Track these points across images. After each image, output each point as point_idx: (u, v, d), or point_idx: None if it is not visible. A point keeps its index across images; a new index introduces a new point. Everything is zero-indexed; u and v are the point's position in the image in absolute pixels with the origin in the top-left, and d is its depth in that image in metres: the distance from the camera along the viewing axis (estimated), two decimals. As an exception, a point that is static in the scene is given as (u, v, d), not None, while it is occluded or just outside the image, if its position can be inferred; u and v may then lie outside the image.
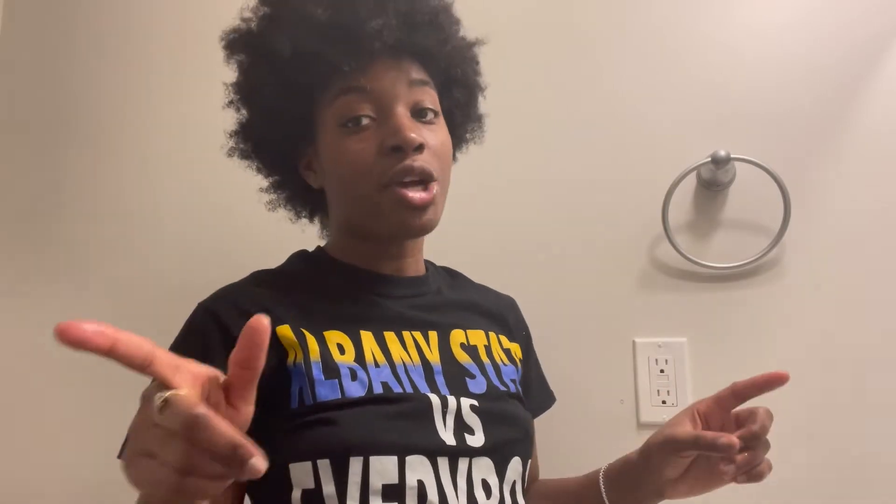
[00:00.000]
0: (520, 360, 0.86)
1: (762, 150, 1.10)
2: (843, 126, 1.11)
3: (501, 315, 0.88)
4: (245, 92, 0.79)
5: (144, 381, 0.43)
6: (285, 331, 0.69)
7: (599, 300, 1.14)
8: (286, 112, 0.76)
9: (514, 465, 0.73)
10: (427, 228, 0.74)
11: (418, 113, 0.74)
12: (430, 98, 0.75)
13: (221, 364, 0.46)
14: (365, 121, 0.72)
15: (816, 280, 1.08)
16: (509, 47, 1.23)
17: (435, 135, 0.74)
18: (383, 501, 0.63)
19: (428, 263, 0.86)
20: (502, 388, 0.76)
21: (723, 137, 1.12)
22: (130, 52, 1.39)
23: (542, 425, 0.85)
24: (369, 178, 0.71)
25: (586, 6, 1.23)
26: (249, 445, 0.37)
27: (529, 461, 0.77)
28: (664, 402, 1.09)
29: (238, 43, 0.78)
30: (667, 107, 1.16)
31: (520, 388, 0.82)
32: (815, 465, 1.04)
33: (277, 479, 0.64)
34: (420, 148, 0.71)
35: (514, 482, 0.73)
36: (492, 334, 0.82)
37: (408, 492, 0.63)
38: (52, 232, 1.34)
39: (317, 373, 0.67)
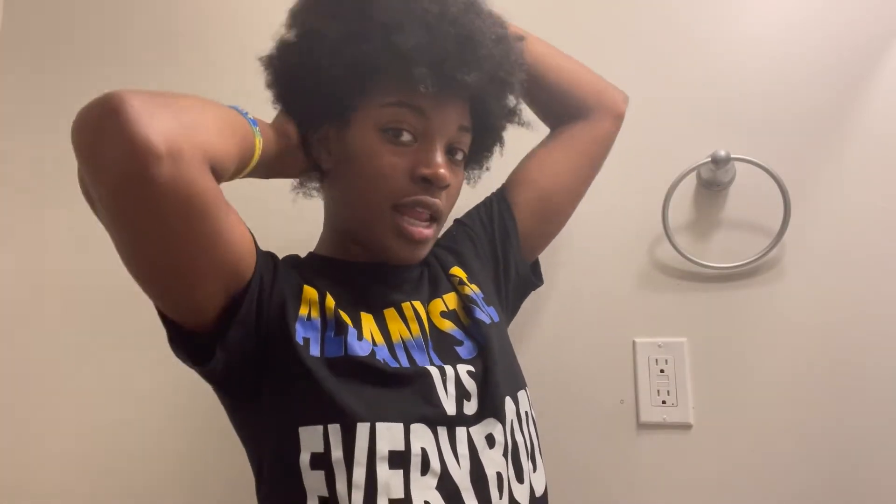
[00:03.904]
0: (489, 252, 0.90)
1: (762, 150, 1.10)
2: (843, 126, 1.11)
3: (455, 253, 0.89)
4: (311, 32, 0.74)
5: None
6: (310, 290, 0.72)
7: (599, 300, 1.14)
8: (334, 77, 0.72)
9: (509, 406, 0.73)
10: (414, 261, 0.77)
11: (451, 152, 0.76)
12: (466, 143, 0.78)
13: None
14: (406, 137, 0.72)
15: (816, 280, 1.08)
16: (509, 47, 1.23)
17: (457, 177, 0.78)
18: (390, 468, 0.64)
19: None
20: (484, 340, 0.77)
21: (723, 137, 1.12)
22: (129, 51, 1.39)
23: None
24: (388, 193, 0.72)
25: (587, 6, 1.23)
26: None
27: (523, 391, 0.78)
28: (664, 402, 1.09)
29: None
30: (667, 107, 1.16)
31: (496, 305, 0.85)
32: (815, 464, 1.04)
33: (287, 442, 0.66)
34: (445, 188, 0.73)
35: (513, 421, 0.73)
36: (462, 288, 0.83)
37: (412, 459, 0.65)
38: (59, 225, 1.34)
39: (328, 329, 0.70)
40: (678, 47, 1.18)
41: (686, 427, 1.09)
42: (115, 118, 0.51)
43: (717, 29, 1.17)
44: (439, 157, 0.72)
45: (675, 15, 1.19)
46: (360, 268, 0.78)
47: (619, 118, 0.98)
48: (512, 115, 0.84)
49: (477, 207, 0.95)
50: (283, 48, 0.77)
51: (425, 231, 0.74)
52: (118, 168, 0.53)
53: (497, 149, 0.89)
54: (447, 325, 0.78)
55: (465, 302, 0.80)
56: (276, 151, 0.73)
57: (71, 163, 0.57)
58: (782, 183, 1.07)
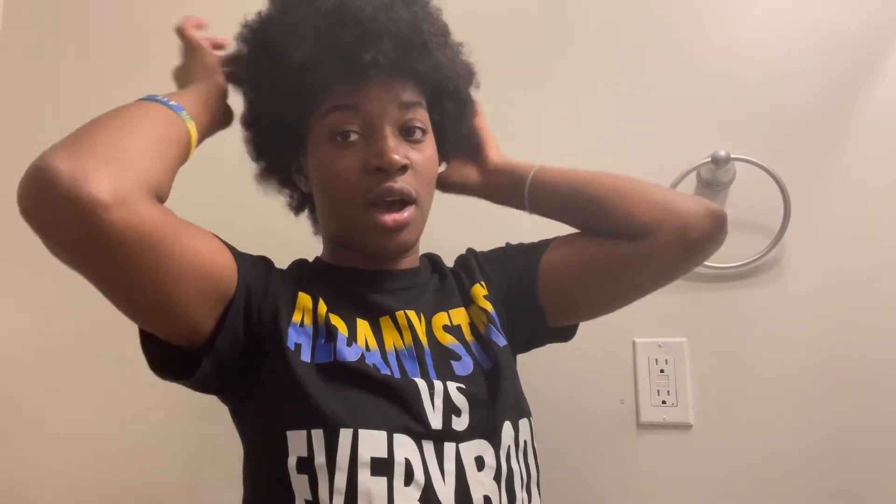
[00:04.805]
0: (505, 295, 0.85)
1: (762, 150, 1.10)
2: (843, 126, 1.11)
3: (472, 272, 0.86)
4: (248, 82, 0.80)
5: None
6: (304, 297, 0.73)
7: (599, 300, 1.14)
8: (279, 114, 0.78)
9: (507, 431, 0.72)
10: (402, 248, 0.77)
11: (407, 132, 0.75)
12: (419, 117, 0.77)
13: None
14: (353, 136, 0.73)
15: (816, 280, 1.08)
16: (509, 47, 1.23)
17: (420, 153, 0.76)
18: (372, 475, 0.64)
19: (422, 257, 0.87)
20: (487, 364, 0.76)
21: (723, 137, 1.12)
22: (131, 55, 1.39)
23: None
24: (352, 195, 0.73)
25: (586, 6, 1.23)
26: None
27: (526, 419, 0.76)
28: (664, 402, 1.09)
29: (246, 31, 0.79)
30: (667, 107, 1.16)
31: (507, 326, 0.83)
32: (815, 464, 1.04)
33: (276, 445, 0.66)
34: (403, 169, 0.73)
35: (510, 447, 0.72)
36: (484, 303, 0.82)
37: (396, 468, 0.65)
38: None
39: (320, 336, 0.71)
40: (678, 47, 1.18)
41: (686, 427, 1.09)
42: (51, 189, 0.53)
43: (718, 29, 1.17)
44: (388, 143, 0.72)
45: (675, 14, 1.19)
46: (358, 274, 0.79)
47: (685, 241, 0.76)
48: (448, 72, 0.78)
49: (518, 249, 0.89)
50: (243, 120, 0.83)
51: (399, 217, 0.73)
52: (72, 232, 0.54)
53: (466, 113, 0.85)
54: (448, 340, 0.77)
55: (482, 320, 0.80)
56: (209, 120, 0.76)
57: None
58: (782, 183, 1.07)
